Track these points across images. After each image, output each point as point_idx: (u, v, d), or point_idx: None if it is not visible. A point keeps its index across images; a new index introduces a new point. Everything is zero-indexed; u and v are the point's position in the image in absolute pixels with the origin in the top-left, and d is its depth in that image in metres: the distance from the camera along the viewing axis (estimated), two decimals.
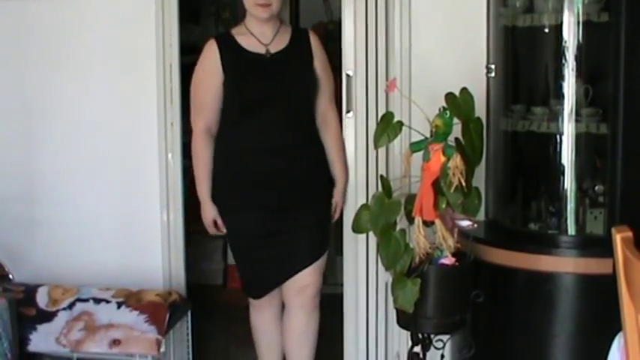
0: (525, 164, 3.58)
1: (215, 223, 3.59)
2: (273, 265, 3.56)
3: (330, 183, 3.65)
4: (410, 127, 3.26)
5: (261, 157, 3.49)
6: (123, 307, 3.68)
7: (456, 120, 3.00)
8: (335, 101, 3.67)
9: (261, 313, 3.72)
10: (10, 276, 3.94)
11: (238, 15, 4.39)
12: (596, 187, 3.29)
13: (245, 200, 3.55)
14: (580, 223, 3.31)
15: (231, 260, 4.90)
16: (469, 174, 3.01)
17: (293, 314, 3.60)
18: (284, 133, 3.49)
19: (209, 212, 3.59)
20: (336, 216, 3.70)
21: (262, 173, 3.50)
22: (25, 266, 4.06)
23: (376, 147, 3.28)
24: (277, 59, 3.50)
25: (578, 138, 3.27)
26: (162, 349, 3.62)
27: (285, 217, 3.52)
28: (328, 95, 3.60)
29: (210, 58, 3.50)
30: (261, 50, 3.50)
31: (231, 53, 3.49)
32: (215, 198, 3.57)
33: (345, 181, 3.69)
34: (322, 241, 3.62)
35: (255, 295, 3.68)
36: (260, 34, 3.51)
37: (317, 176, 3.63)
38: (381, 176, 3.34)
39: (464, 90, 3.03)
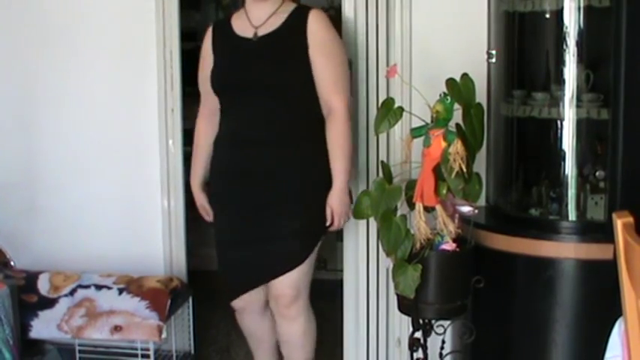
0: (526, 150, 3.58)
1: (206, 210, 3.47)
2: (245, 267, 3.32)
3: (325, 185, 3.25)
4: (410, 113, 3.26)
5: (236, 150, 3.27)
6: (124, 294, 3.69)
7: (456, 106, 3.00)
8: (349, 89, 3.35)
9: (241, 316, 3.50)
10: (12, 263, 3.95)
11: (238, 1, 4.39)
12: (597, 173, 3.28)
13: (220, 195, 3.36)
14: (581, 209, 3.31)
15: None
16: (470, 160, 3.01)
17: (277, 321, 3.42)
18: (262, 126, 3.21)
19: (196, 198, 3.49)
20: (334, 226, 3.30)
21: (236, 168, 3.26)
22: (26, 253, 4.07)
23: (377, 133, 3.28)
24: (264, 43, 3.22)
25: (579, 123, 3.27)
26: (164, 336, 3.63)
27: (260, 220, 3.23)
28: (331, 81, 3.20)
29: (205, 42, 3.39)
30: (249, 33, 3.25)
31: (222, 37, 3.34)
32: (209, 185, 3.45)
33: (341, 182, 3.23)
34: (299, 251, 3.26)
35: (227, 297, 3.43)
36: (254, 15, 3.28)
37: (304, 176, 3.25)
38: (382, 162, 3.33)
39: (465, 76, 3.03)
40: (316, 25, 3.22)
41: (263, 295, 3.41)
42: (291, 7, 3.29)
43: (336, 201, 3.24)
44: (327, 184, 3.23)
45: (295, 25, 3.22)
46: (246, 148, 3.23)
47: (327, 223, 3.27)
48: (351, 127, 3.28)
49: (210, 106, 3.39)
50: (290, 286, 3.28)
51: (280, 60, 3.20)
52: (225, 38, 3.32)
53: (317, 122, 3.24)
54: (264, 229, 3.23)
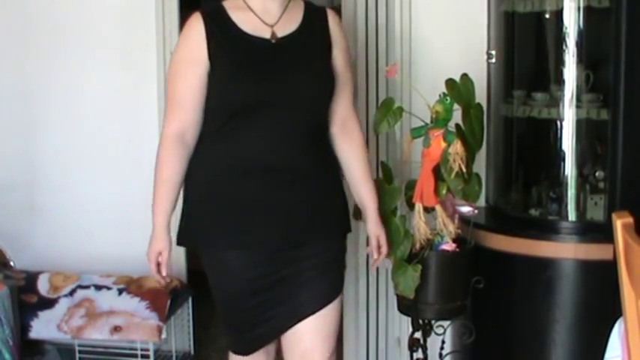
0: (526, 150, 3.58)
1: (158, 260, 2.74)
2: (264, 317, 2.70)
3: (347, 212, 2.84)
4: (410, 113, 3.26)
5: (256, 181, 2.60)
6: (124, 294, 3.69)
7: (456, 106, 3.00)
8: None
9: None
10: (11, 263, 3.95)
11: None
12: (597, 173, 3.29)
13: (232, 236, 2.63)
14: (580, 209, 3.31)
15: None
16: (469, 160, 3.01)
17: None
18: (290, 148, 2.59)
19: (157, 242, 2.72)
20: (382, 256, 2.90)
21: (257, 202, 2.60)
22: (26, 253, 4.06)
23: (376, 133, 3.28)
24: (285, 46, 2.62)
25: (579, 124, 3.27)
26: (164, 336, 3.63)
27: (286, 259, 2.66)
28: (350, 95, 2.78)
29: (192, 38, 2.60)
30: (265, 34, 2.60)
31: (223, 34, 2.60)
32: (191, 228, 2.71)
33: (376, 208, 2.86)
34: (331, 287, 2.74)
35: (238, 351, 2.81)
36: (262, 10, 2.63)
37: (333, 205, 2.74)
38: (382, 162, 3.33)
39: (464, 76, 3.03)
40: (337, 27, 2.75)
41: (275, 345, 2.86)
42: (298, 2, 2.73)
43: (379, 227, 2.86)
44: (346, 208, 2.83)
45: (316, 27, 2.70)
46: (278, 175, 2.60)
47: (375, 256, 2.89)
48: None
49: (181, 122, 2.62)
50: (324, 334, 2.73)
51: (308, 66, 2.65)
52: (229, 37, 2.60)
53: (331, 139, 2.79)
54: (295, 264, 2.66)
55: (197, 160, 2.66)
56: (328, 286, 2.73)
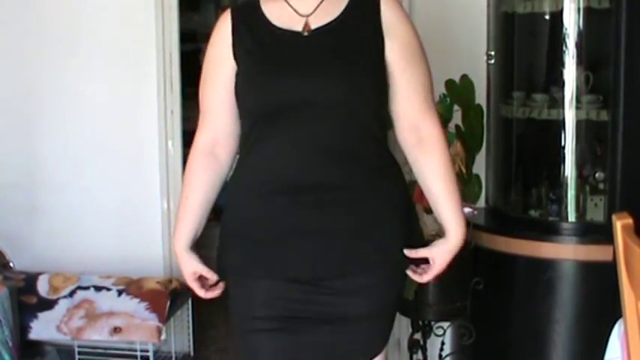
0: (526, 151, 3.58)
1: (200, 277, 2.34)
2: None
3: (408, 239, 2.24)
4: None
5: (288, 201, 2.16)
6: (123, 295, 3.69)
7: (456, 107, 3.00)
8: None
9: None
10: (11, 264, 3.95)
11: (237, 2, 4.37)
12: (597, 174, 3.29)
13: (258, 264, 2.20)
14: (580, 210, 3.31)
15: None
16: (469, 161, 3.01)
17: None
18: (328, 163, 2.14)
19: (185, 265, 2.34)
20: (427, 278, 2.28)
21: (290, 226, 2.16)
22: (25, 254, 4.06)
23: None
24: (321, 41, 2.19)
25: (579, 125, 3.27)
26: (163, 337, 3.63)
27: (323, 295, 2.17)
28: (420, 96, 2.22)
29: (218, 36, 2.26)
30: (297, 26, 2.19)
31: (250, 30, 2.23)
32: (219, 251, 2.33)
33: (459, 238, 2.23)
34: (379, 335, 2.27)
35: None
36: (297, 0, 2.21)
37: (387, 232, 2.21)
38: None
39: (464, 77, 3.03)
40: (394, 13, 2.23)
41: None
42: None
43: (445, 257, 2.24)
44: (410, 234, 2.26)
45: (362, 14, 2.21)
46: (314, 196, 2.15)
47: (412, 276, 2.30)
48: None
49: (211, 132, 2.28)
50: None
51: (353, 65, 2.17)
52: (256, 33, 2.23)
53: (388, 151, 2.29)
54: (332, 302, 2.18)
55: (230, 179, 2.32)
56: (371, 338, 2.25)
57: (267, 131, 2.16)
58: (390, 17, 2.21)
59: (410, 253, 2.21)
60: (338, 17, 2.20)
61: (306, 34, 2.19)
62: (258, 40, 2.22)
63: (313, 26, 2.19)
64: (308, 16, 2.20)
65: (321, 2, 2.20)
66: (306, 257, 2.15)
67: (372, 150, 2.22)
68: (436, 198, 2.25)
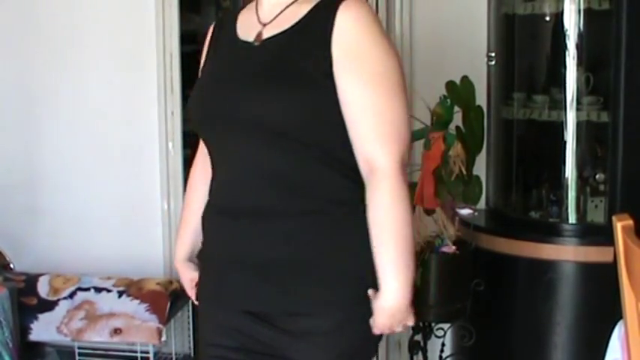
0: (526, 152, 3.58)
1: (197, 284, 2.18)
2: None
3: (362, 280, 1.92)
4: (410, 116, 3.25)
5: (232, 227, 1.99)
6: (124, 296, 3.68)
7: (456, 108, 3.00)
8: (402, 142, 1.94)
9: None
10: (11, 265, 3.95)
11: (238, 4, 4.38)
12: (597, 176, 3.29)
13: (211, 293, 2.09)
14: (581, 212, 3.31)
15: None
16: (470, 162, 3.01)
17: None
18: (266, 187, 1.93)
19: (183, 274, 2.26)
20: (375, 331, 1.95)
21: (233, 255, 1.99)
22: (26, 255, 4.06)
23: None
24: (264, 52, 1.96)
25: (579, 126, 3.27)
26: (164, 338, 3.62)
27: (276, 333, 1.95)
28: (371, 122, 1.88)
29: (204, 49, 2.18)
30: (252, 35, 2.00)
31: (217, 42, 2.12)
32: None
33: (393, 290, 1.88)
34: None
35: None
36: (267, 8, 2.01)
37: (332, 269, 1.92)
38: None
39: (464, 78, 3.03)
40: (350, 22, 1.88)
41: None
42: None
43: (382, 318, 1.92)
44: (363, 280, 1.92)
45: (316, 24, 1.91)
46: (239, 221, 1.97)
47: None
48: (408, 200, 1.96)
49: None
50: None
51: (281, 81, 1.90)
52: (222, 44, 2.10)
53: (347, 180, 1.95)
54: (285, 349, 1.95)
55: None
56: None
57: (212, 149, 2.04)
58: (343, 26, 1.87)
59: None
60: (293, 25, 1.94)
61: (256, 44, 1.98)
62: (217, 53, 2.10)
63: (266, 35, 1.97)
64: (266, 24, 1.98)
65: (284, 9, 1.97)
66: (249, 290, 1.96)
67: (318, 176, 1.91)
68: (375, 239, 1.90)
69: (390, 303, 1.88)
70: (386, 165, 1.88)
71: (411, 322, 1.95)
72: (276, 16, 1.97)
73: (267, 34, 1.96)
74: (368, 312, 1.91)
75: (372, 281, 1.90)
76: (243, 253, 1.95)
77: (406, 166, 1.96)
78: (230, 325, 1.99)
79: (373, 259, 1.90)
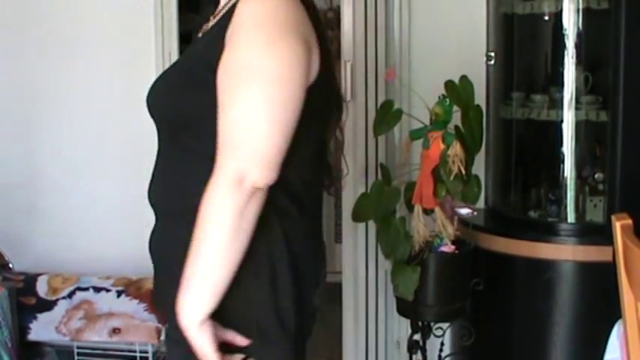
0: (525, 152, 3.58)
1: None
2: None
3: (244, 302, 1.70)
4: (409, 115, 3.26)
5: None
6: (123, 296, 3.68)
7: (455, 108, 3.00)
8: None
9: None
10: (10, 265, 3.94)
11: None
12: (596, 175, 3.29)
13: None
14: (580, 211, 3.31)
15: None
16: (469, 162, 3.01)
17: None
18: (154, 186, 1.98)
19: None
20: None
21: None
22: (24, 255, 4.06)
23: (376, 135, 3.28)
24: (192, 45, 1.98)
25: (578, 126, 3.27)
26: (162, 338, 3.62)
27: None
28: (221, 126, 1.62)
29: None
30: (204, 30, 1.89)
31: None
32: None
33: (181, 309, 1.63)
34: None
35: None
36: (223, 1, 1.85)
37: (168, 288, 1.74)
38: (381, 164, 3.33)
39: (463, 78, 3.03)
40: (243, 11, 1.65)
41: None
42: None
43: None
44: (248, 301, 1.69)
45: (226, 14, 1.72)
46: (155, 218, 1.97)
47: None
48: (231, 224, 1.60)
49: None
50: None
51: (173, 81, 1.85)
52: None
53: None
54: None
55: None
56: None
57: None
58: (237, 20, 1.65)
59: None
60: (219, 17, 1.79)
61: (199, 36, 1.91)
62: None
63: (205, 29, 1.87)
64: (216, 16, 1.83)
65: (225, 6, 1.79)
66: (156, 292, 1.96)
67: (197, 175, 1.67)
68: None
69: (180, 321, 1.64)
70: (216, 174, 1.60)
71: (201, 352, 1.63)
72: (222, 7, 1.82)
73: (207, 27, 1.86)
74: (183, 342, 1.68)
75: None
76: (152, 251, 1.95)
77: (261, 178, 1.60)
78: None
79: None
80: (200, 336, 1.62)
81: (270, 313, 1.70)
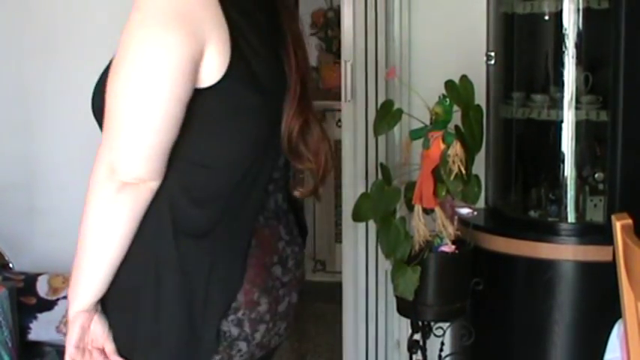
0: (525, 152, 3.58)
1: None
2: None
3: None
4: (410, 115, 3.25)
5: None
6: None
7: (455, 107, 2.99)
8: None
9: None
10: (10, 265, 3.94)
11: None
12: (596, 175, 3.29)
13: None
14: (580, 211, 3.31)
15: None
16: (469, 161, 3.01)
17: None
18: None
19: None
20: None
21: None
22: (25, 255, 4.06)
23: (376, 135, 3.28)
24: None
25: (578, 125, 3.27)
26: None
27: None
28: (105, 117, 1.62)
29: None
30: None
31: None
32: None
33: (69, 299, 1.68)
34: None
35: None
36: None
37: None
38: (381, 164, 3.33)
39: (463, 77, 3.02)
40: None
41: None
42: None
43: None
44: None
45: None
46: None
47: None
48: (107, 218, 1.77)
49: None
50: None
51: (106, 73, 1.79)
52: None
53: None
54: None
55: None
56: None
57: None
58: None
59: None
60: None
61: None
62: None
63: None
64: None
65: None
66: None
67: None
68: None
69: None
70: (95, 164, 1.64)
71: (66, 340, 1.63)
72: None
73: None
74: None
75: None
76: None
77: (132, 176, 1.60)
78: None
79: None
80: (72, 324, 1.61)
81: (147, 332, 1.63)
